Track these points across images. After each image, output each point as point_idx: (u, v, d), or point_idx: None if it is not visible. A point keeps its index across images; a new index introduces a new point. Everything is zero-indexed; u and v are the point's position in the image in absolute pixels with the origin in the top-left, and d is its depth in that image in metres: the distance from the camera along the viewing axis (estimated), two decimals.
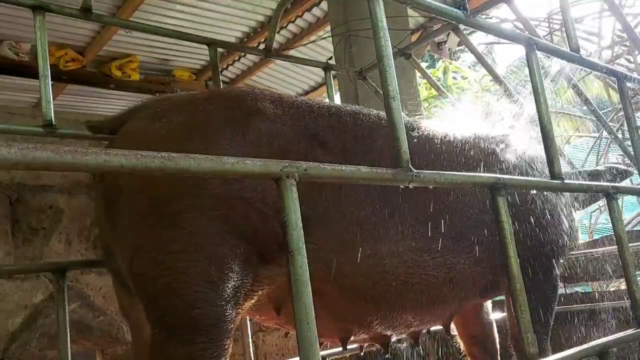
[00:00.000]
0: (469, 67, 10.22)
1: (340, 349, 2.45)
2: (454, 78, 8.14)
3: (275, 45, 3.07)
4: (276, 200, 1.57)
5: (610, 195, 1.90)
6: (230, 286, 1.52)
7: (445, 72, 7.68)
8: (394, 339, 2.09)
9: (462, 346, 2.41)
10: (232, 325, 1.55)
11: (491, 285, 2.06)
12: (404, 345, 2.65)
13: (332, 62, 4.55)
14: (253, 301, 1.66)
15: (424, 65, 7.66)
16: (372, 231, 1.74)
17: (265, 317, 1.91)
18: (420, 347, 3.26)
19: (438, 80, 7.51)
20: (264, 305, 1.80)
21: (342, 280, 1.71)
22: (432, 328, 2.30)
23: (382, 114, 1.99)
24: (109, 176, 1.61)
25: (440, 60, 7.38)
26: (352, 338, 1.97)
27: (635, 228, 6.38)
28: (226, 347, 1.52)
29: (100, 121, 1.89)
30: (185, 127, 1.61)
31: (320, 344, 1.92)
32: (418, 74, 4.61)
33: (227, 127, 1.62)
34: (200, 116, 1.64)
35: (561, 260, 2.15)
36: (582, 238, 4.32)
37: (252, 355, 2.40)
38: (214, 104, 1.69)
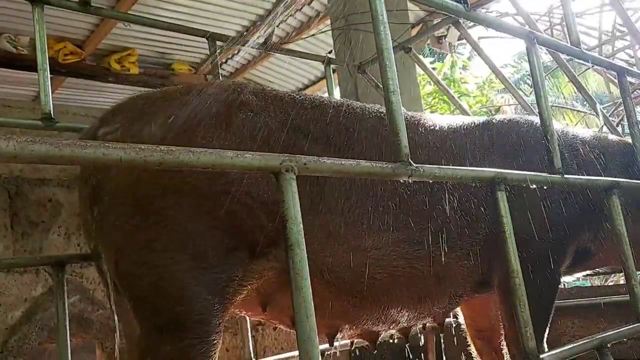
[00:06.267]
0: (468, 59, 10.20)
1: (338, 343, 2.46)
2: (460, 73, 8.09)
3: (274, 38, 3.06)
4: (261, 193, 1.58)
5: (610, 191, 1.90)
6: (217, 282, 1.52)
7: (452, 67, 7.63)
8: (382, 334, 2.06)
9: (468, 337, 2.40)
10: (220, 321, 1.55)
11: (485, 281, 2.01)
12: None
13: (332, 56, 4.54)
14: (242, 296, 1.65)
15: (429, 60, 7.62)
16: (357, 223, 1.72)
17: (251, 312, 1.90)
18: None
19: (444, 75, 7.47)
20: (251, 300, 1.79)
21: (328, 274, 1.69)
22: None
23: (367, 106, 1.99)
24: (94, 177, 1.61)
25: (448, 55, 7.32)
26: (339, 334, 1.95)
27: None
28: (214, 342, 1.53)
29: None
30: (168, 123, 1.60)
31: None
32: (418, 68, 4.60)
33: (210, 121, 1.61)
34: (183, 111, 1.63)
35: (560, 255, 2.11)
36: None
37: (251, 349, 2.40)
38: (196, 99, 1.69)
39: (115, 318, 1.70)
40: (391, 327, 1.99)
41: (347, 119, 1.85)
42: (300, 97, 1.86)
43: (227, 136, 1.61)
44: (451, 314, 2.26)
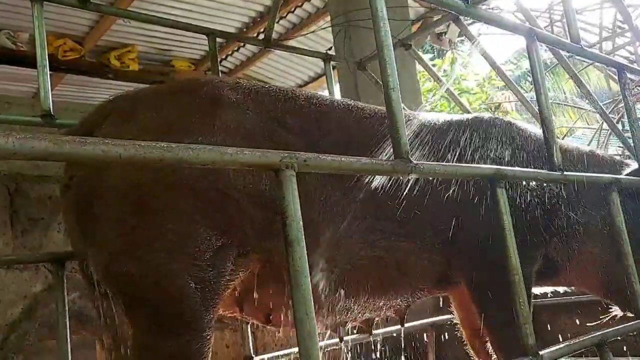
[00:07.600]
0: (468, 55, 10.19)
1: (338, 340, 2.46)
2: (461, 70, 8.08)
3: (274, 35, 3.06)
4: (246, 185, 1.60)
5: (610, 188, 1.90)
6: (211, 278, 1.54)
7: (452, 63, 7.62)
8: (348, 325, 2.10)
9: (464, 337, 2.40)
10: (213, 316, 1.57)
11: (446, 276, 2.03)
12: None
13: (332, 52, 4.53)
14: (230, 290, 1.67)
15: (428, 56, 7.60)
16: (330, 214, 1.75)
17: (227, 308, 1.90)
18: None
19: (444, 72, 7.45)
20: (229, 295, 1.79)
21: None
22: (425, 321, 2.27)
23: (336, 100, 2.03)
24: (80, 182, 1.61)
25: (449, 52, 7.33)
26: None
27: None
28: (209, 337, 1.56)
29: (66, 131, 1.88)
30: (161, 122, 1.63)
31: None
32: (418, 65, 4.60)
33: (198, 118, 1.65)
34: (173, 110, 1.66)
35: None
36: None
37: (251, 345, 2.41)
38: (183, 97, 1.72)
39: (101, 318, 1.71)
40: (357, 317, 2.02)
41: (318, 109, 1.90)
42: (273, 89, 1.91)
43: (214, 132, 1.63)
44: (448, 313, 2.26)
